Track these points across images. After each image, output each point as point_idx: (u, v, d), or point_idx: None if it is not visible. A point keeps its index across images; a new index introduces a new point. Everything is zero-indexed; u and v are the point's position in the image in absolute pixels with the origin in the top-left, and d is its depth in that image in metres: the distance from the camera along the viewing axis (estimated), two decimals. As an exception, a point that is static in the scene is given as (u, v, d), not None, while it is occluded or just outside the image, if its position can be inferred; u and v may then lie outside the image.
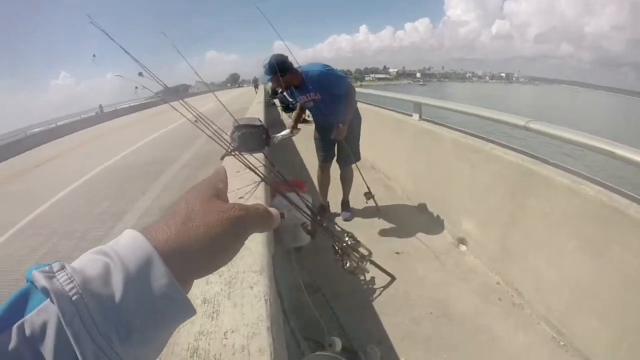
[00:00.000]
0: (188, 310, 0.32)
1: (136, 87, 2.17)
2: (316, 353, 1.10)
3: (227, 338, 1.01)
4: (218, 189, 0.39)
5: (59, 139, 18.01)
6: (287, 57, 3.08)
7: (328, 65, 3.21)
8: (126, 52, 2.02)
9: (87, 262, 0.30)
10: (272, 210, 0.42)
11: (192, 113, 2.17)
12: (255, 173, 2.11)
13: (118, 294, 0.28)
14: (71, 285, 0.27)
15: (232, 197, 1.97)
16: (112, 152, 9.55)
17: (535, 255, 2.33)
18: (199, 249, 0.33)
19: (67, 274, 0.28)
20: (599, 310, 1.87)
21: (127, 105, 33.49)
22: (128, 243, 0.31)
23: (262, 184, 2.17)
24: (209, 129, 2.18)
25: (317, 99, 3.18)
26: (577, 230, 2.01)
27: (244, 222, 0.36)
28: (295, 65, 3.14)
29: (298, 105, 3.59)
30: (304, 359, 1.00)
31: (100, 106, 31.31)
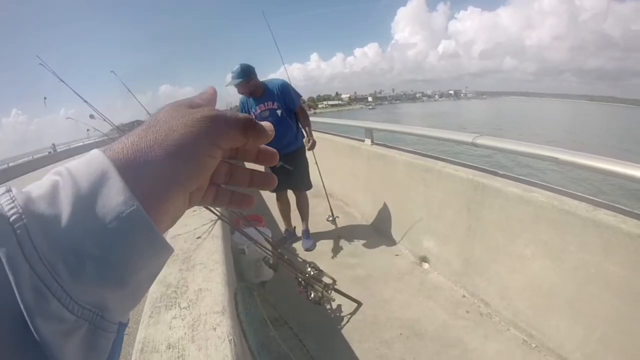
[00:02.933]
0: (154, 237, 0.26)
1: (88, 130, 2.13)
2: None
3: (195, 383, 0.98)
4: (193, 103, 0.32)
5: (12, 180, 17.17)
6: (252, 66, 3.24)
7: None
8: (77, 94, 2.00)
9: (37, 184, 0.25)
10: (265, 123, 0.34)
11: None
12: (212, 211, 2.11)
13: (65, 213, 0.23)
14: (11, 205, 0.23)
15: (190, 237, 1.95)
16: None
17: (496, 264, 2.40)
18: (159, 155, 0.27)
19: (10, 196, 0.23)
20: (565, 308, 1.94)
21: (82, 144, 32.41)
22: (84, 159, 0.26)
23: (220, 221, 2.16)
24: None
25: (274, 108, 3.27)
26: (533, 236, 2.09)
27: (215, 122, 0.30)
28: None
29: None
30: None
31: (53, 145, 30.20)
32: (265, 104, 3.28)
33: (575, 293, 1.88)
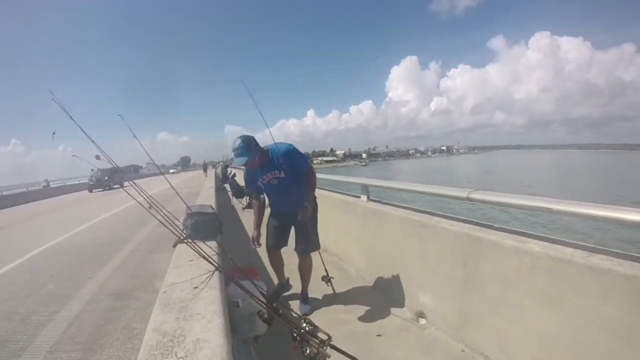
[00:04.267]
0: None
1: (92, 170, 2.16)
2: None
3: None
4: None
5: (3, 209, 17.10)
6: (252, 137, 3.10)
7: (291, 145, 3.24)
8: (85, 133, 2.05)
9: None
10: None
11: (144, 196, 2.15)
12: (210, 262, 2.10)
13: None
14: None
15: (186, 286, 1.94)
16: (60, 230, 9.13)
17: (494, 316, 2.38)
18: None
19: None
20: (565, 355, 1.93)
21: (77, 182, 32.49)
22: None
23: (217, 273, 2.15)
24: (161, 214, 2.18)
25: (282, 176, 3.16)
26: (530, 285, 2.11)
27: None
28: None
29: (255, 204, 3.48)
30: None
31: (47, 180, 30.26)
32: (272, 172, 3.15)
33: (574, 339, 1.88)
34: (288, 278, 3.84)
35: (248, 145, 2.98)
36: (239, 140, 2.98)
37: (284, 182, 3.20)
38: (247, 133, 3.17)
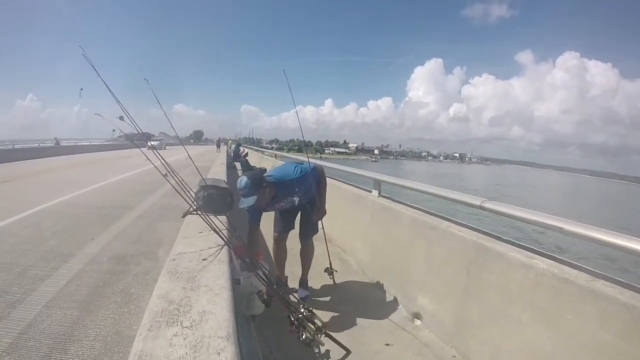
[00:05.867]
0: None
1: (114, 130, 2.19)
2: None
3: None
4: None
5: (13, 162, 16.80)
6: (259, 173, 2.97)
7: (298, 164, 3.23)
8: (111, 92, 2.07)
9: None
10: None
11: (162, 162, 2.16)
12: (220, 236, 2.12)
13: None
14: None
15: (195, 257, 1.95)
16: (68, 189, 9.11)
17: (491, 327, 2.39)
18: None
19: None
20: None
21: (88, 143, 32.66)
22: None
23: (224, 248, 2.16)
24: (177, 182, 2.19)
25: (294, 199, 3.19)
26: (531, 301, 2.11)
27: None
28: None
29: (251, 236, 3.09)
30: None
31: (56, 139, 30.39)
32: (285, 200, 3.16)
33: (569, 360, 1.89)
34: (287, 277, 3.70)
35: (255, 183, 2.79)
36: (245, 180, 2.78)
37: (297, 200, 3.22)
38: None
